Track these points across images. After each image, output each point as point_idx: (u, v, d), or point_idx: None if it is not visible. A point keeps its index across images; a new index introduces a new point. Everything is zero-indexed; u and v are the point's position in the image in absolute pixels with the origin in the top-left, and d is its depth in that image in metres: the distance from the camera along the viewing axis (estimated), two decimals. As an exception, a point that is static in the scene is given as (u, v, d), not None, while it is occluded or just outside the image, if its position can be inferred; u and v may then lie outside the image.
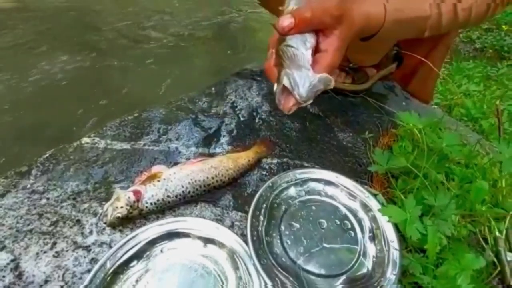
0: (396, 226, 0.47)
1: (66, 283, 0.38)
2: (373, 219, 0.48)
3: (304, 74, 0.37)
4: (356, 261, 0.44)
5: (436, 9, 0.51)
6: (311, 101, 0.39)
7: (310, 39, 0.38)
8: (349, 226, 0.48)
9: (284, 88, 0.38)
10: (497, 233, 0.49)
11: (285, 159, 0.59)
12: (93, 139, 0.58)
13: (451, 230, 0.47)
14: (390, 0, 0.48)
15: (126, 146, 0.58)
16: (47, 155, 0.55)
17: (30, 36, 2.15)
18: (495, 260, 0.44)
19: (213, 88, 0.76)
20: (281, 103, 0.40)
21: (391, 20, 0.47)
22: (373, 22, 0.47)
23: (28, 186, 0.49)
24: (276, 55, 0.40)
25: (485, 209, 0.53)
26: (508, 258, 0.44)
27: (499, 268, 0.44)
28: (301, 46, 0.37)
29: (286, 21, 0.36)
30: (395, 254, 0.44)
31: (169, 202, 0.46)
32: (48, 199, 0.47)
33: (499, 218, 0.53)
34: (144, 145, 0.58)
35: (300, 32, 0.37)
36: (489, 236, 0.51)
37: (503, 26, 2.46)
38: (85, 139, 0.58)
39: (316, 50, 0.40)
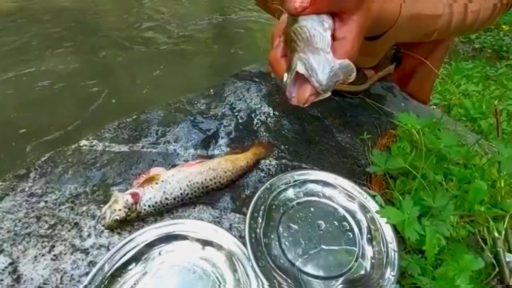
0: (394, 227, 0.47)
1: (64, 286, 0.38)
2: (372, 220, 0.48)
3: (323, 58, 0.31)
4: (354, 263, 0.43)
5: (448, 8, 0.51)
6: (329, 93, 0.33)
7: (328, 20, 0.33)
8: (348, 227, 0.48)
9: (298, 76, 0.32)
10: (495, 234, 0.49)
11: (283, 161, 0.59)
12: (91, 142, 0.58)
13: (449, 231, 0.47)
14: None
15: (124, 148, 0.58)
16: (46, 157, 0.55)
17: (29, 37, 2.16)
18: (494, 261, 0.44)
19: (211, 90, 0.76)
20: (293, 95, 0.33)
21: (406, 15, 0.46)
22: (386, 17, 0.45)
23: (27, 189, 0.49)
24: (285, 44, 0.35)
25: (483, 210, 0.53)
26: (507, 259, 0.44)
27: (497, 269, 0.44)
28: (318, 27, 0.31)
29: None
30: (393, 255, 0.44)
31: (167, 204, 0.46)
32: (46, 202, 0.47)
33: (498, 218, 0.53)
34: (143, 147, 0.58)
35: (316, 12, 0.32)
36: (488, 237, 0.51)
37: (503, 26, 2.46)
38: (83, 142, 0.58)
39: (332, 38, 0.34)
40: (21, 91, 1.54)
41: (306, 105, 0.34)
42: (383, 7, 0.42)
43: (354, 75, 0.33)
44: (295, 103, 0.34)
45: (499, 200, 0.56)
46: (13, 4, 2.69)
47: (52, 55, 1.89)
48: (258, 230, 0.44)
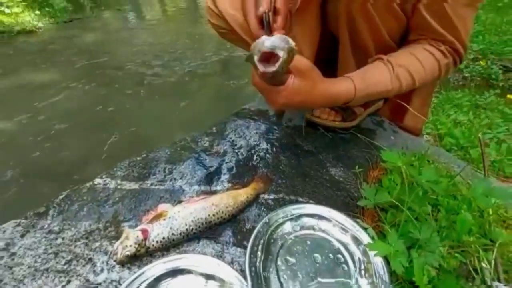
0: (386, 259, 0.50)
1: (78, 321, 0.41)
2: (364, 252, 0.51)
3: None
4: (349, 295, 0.46)
5: (397, 81, 0.60)
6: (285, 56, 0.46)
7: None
8: (342, 260, 0.51)
9: (262, 58, 0.47)
10: (483, 264, 0.51)
11: (281, 195, 0.63)
12: (105, 180, 0.64)
13: (438, 261, 0.49)
14: (353, 76, 0.60)
15: (134, 186, 0.63)
16: (63, 195, 0.60)
17: (44, 74, 2.32)
18: (483, 290, 0.47)
19: (214, 128, 0.83)
20: (260, 71, 0.48)
21: (360, 96, 0.60)
22: (344, 98, 0.60)
23: (46, 226, 0.53)
24: (254, 71, 0.51)
25: (472, 240, 0.55)
26: (497, 288, 0.47)
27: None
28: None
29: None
30: (386, 287, 0.46)
31: (173, 240, 0.50)
32: (63, 238, 0.51)
33: (488, 247, 0.56)
34: (151, 184, 0.63)
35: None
36: (478, 266, 0.53)
37: (481, 62, 2.58)
38: (98, 180, 0.64)
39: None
40: (38, 127, 1.64)
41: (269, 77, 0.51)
42: (339, 93, 0.58)
43: (292, 43, 0.46)
44: (260, 76, 0.51)
45: (487, 229, 0.59)
46: (36, 45, 2.93)
47: (67, 92, 2.03)
48: (257, 264, 0.47)
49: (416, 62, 0.61)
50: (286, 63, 0.47)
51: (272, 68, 0.47)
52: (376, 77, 0.60)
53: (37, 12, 3.86)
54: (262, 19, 0.56)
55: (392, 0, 0.58)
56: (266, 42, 0.46)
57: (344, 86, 0.59)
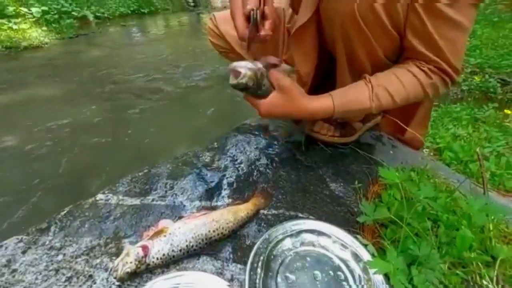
0: (387, 276, 0.49)
1: None
2: (364, 269, 0.51)
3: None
4: (349, 314, 0.46)
5: (376, 100, 0.62)
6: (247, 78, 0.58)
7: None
8: (342, 277, 0.51)
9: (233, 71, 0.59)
10: (484, 281, 0.51)
11: (281, 210, 0.64)
12: (107, 195, 0.65)
13: (439, 279, 0.49)
14: (334, 93, 0.64)
15: (136, 201, 0.63)
16: (65, 211, 0.61)
17: (49, 88, 2.38)
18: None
19: (215, 143, 0.84)
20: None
21: (339, 112, 0.63)
22: (323, 114, 0.64)
23: (47, 242, 0.54)
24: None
25: (473, 256, 0.55)
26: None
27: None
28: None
29: None
30: (386, 305, 0.46)
31: (173, 256, 0.51)
32: (64, 255, 0.52)
33: (490, 264, 0.55)
34: (152, 200, 0.64)
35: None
36: (480, 283, 0.53)
37: (475, 77, 2.62)
38: (100, 195, 0.65)
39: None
40: (42, 141, 1.66)
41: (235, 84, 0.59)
42: (316, 110, 0.63)
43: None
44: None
45: (488, 245, 0.59)
46: (42, 60, 3.01)
47: (71, 107, 2.08)
48: (257, 281, 0.47)
49: (397, 82, 0.63)
50: (251, 79, 0.58)
51: (234, 81, 0.59)
52: (356, 95, 0.63)
53: (44, 28, 3.98)
54: (249, 17, 0.58)
55: (383, 20, 0.60)
56: (233, 63, 0.59)
57: (322, 102, 0.63)
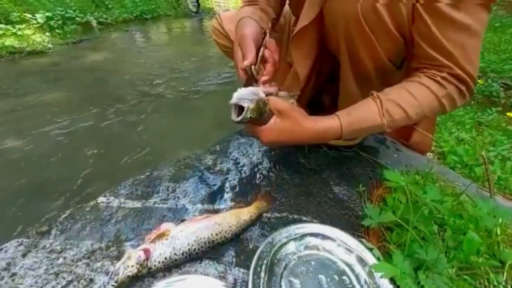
0: (393, 281, 0.48)
1: None
2: (370, 274, 0.50)
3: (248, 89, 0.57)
4: (355, 319, 0.44)
5: (388, 116, 0.59)
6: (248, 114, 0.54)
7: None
8: (348, 282, 0.50)
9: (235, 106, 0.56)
10: (492, 287, 0.49)
11: (284, 214, 0.63)
12: (108, 198, 0.64)
13: (447, 284, 0.48)
14: (338, 113, 0.60)
15: (137, 204, 0.63)
16: (66, 214, 0.60)
17: (53, 93, 2.39)
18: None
19: (217, 146, 0.84)
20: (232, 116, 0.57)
21: (348, 131, 0.60)
22: (330, 134, 0.60)
23: (48, 245, 0.53)
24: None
25: (481, 261, 0.54)
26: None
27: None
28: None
29: None
30: (393, 310, 0.45)
31: (175, 260, 0.50)
32: (65, 258, 0.51)
33: (498, 269, 0.54)
34: (154, 203, 0.63)
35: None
36: (489, 289, 0.51)
37: (479, 81, 2.61)
38: (101, 199, 0.64)
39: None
40: (45, 146, 1.67)
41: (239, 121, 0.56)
42: (322, 132, 0.60)
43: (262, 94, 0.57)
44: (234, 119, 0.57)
45: (496, 249, 0.57)
46: (46, 65, 3.04)
47: (74, 111, 2.09)
48: (261, 286, 0.46)
49: (407, 95, 0.60)
50: (254, 111, 0.55)
51: (237, 118, 0.56)
52: (363, 112, 0.60)
53: (48, 33, 4.03)
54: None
55: (385, 22, 0.59)
56: (234, 95, 0.56)
57: (329, 123, 0.60)
